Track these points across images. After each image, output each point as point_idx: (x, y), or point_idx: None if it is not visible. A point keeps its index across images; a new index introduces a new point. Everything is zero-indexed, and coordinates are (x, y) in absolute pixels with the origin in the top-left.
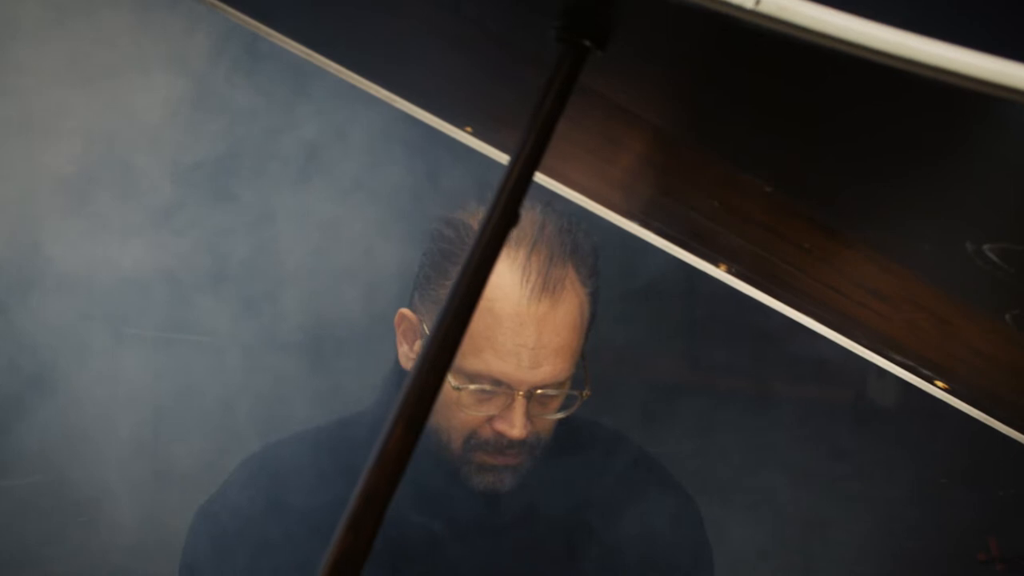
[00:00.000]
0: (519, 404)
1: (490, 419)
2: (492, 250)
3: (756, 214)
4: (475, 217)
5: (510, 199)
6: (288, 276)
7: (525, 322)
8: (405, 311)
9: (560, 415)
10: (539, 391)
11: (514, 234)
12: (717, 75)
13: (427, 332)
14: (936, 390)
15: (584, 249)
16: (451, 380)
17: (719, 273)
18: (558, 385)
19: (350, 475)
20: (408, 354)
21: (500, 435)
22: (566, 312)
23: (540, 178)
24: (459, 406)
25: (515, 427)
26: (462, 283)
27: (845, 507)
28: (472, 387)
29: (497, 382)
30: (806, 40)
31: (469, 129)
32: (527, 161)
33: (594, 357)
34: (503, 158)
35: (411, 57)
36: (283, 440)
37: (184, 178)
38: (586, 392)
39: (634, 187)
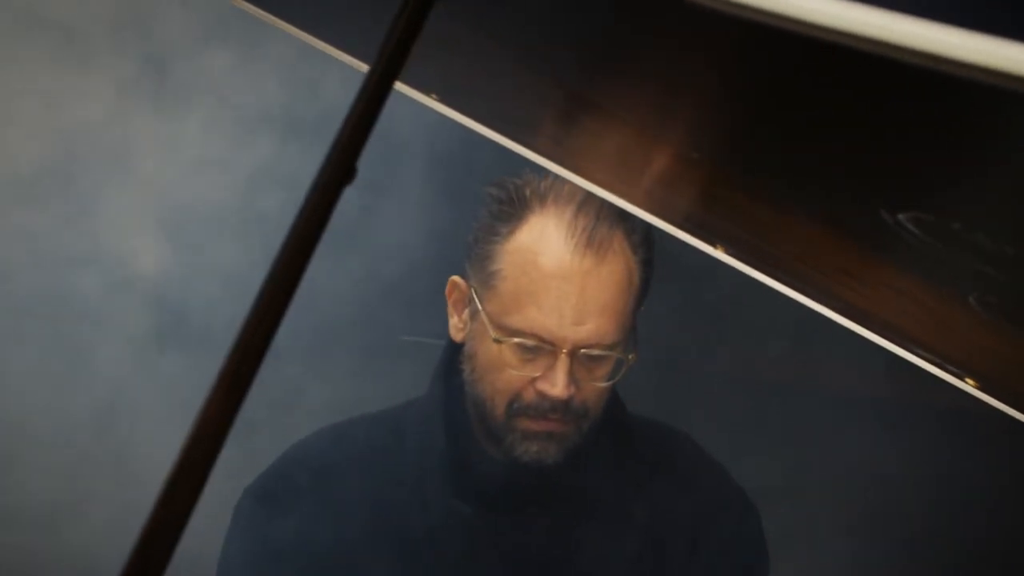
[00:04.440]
0: (562, 362)
1: (533, 380)
2: (323, 207)
3: (693, 178)
4: (529, 184)
5: (345, 153)
6: None
7: (568, 276)
8: (456, 279)
9: (608, 383)
10: (583, 351)
11: (563, 193)
12: (582, 19)
13: (477, 300)
14: (972, 389)
15: (636, 217)
16: (491, 332)
17: (718, 254)
18: (604, 347)
19: (396, 465)
20: (458, 325)
21: (543, 397)
22: (611, 271)
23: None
24: (502, 365)
25: (557, 385)
26: (292, 237)
27: None
28: (514, 340)
29: (540, 339)
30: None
31: (435, 96)
32: (363, 114)
33: None
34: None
35: None
36: (336, 426)
37: None
38: (632, 356)
39: (591, 147)
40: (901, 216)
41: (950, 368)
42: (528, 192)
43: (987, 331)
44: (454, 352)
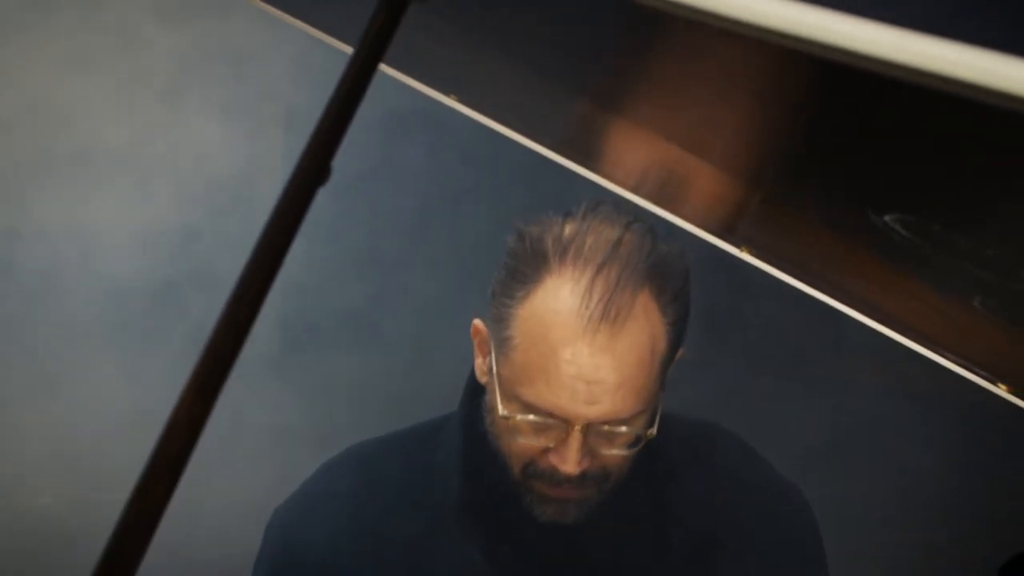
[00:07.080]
0: (574, 439)
1: (546, 451)
2: (296, 208)
3: (712, 184)
4: (550, 232)
5: (319, 153)
6: None
7: (580, 354)
8: (478, 323)
9: (628, 452)
10: (603, 426)
11: (584, 249)
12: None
13: (493, 360)
14: (1006, 394)
15: (669, 271)
16: (500, 408)
17: (744, 256)
18: (624, 422)
19: (425, 482)
20: (482, 368)
21: (555, 469)
22: (631, 345)
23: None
24: (514, 433)
25: (567, 463)
26: (264, 239)
27: None
28: (520, 417)
29: (550, 415)
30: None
31: (454, 96)
32: (339, 113)
33: None
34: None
35: None
36: (366, 444)
37: None
38: (650, 432)
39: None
40: (887, 218)
41: (981, 373)
42: (549, 243)
43: (1001, 334)
44: (476, 385)
